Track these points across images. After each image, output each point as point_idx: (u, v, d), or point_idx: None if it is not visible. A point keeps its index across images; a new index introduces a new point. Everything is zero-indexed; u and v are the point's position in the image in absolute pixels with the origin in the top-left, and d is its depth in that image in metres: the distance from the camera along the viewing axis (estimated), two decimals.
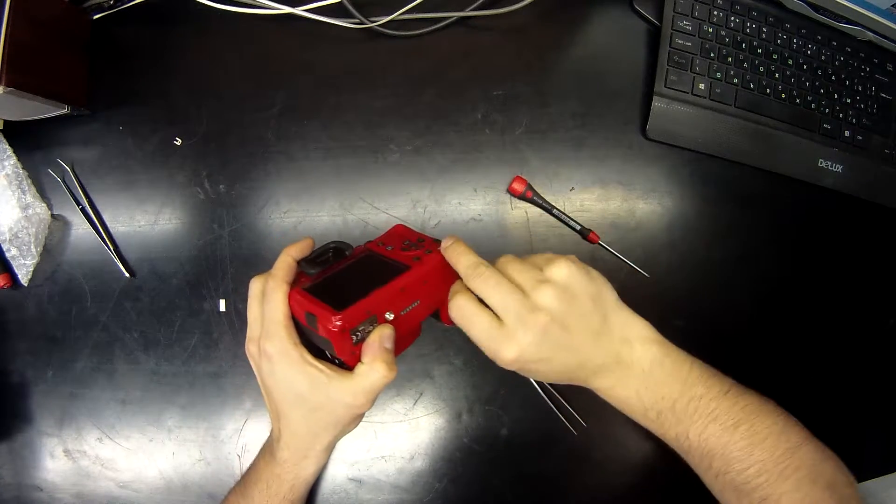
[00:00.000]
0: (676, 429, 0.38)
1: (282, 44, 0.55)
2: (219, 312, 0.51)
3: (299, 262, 0.38)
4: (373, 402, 0.37)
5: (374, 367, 0.35)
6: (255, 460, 0.44)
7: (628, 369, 0.38)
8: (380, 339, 0.35)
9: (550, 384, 0.49)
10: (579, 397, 0.49)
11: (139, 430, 0.51)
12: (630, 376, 0.38)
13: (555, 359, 0.36)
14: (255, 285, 0.38)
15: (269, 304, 0.37)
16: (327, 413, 0.38)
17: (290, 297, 0.37)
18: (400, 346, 0.38)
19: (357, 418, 0.40)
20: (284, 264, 0.38)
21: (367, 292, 0.35)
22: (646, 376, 0.38)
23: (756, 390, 0.41)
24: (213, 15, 0.53)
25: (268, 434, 0.43)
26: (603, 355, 0.37)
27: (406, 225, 0.45)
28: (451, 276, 0.38)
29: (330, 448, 0.42)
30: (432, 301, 0.39)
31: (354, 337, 0.35)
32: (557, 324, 0.35)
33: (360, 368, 0.36)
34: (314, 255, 0.38)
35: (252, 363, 0.40)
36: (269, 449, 0.42)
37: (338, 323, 0.33)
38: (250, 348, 0.39)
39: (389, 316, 0.36)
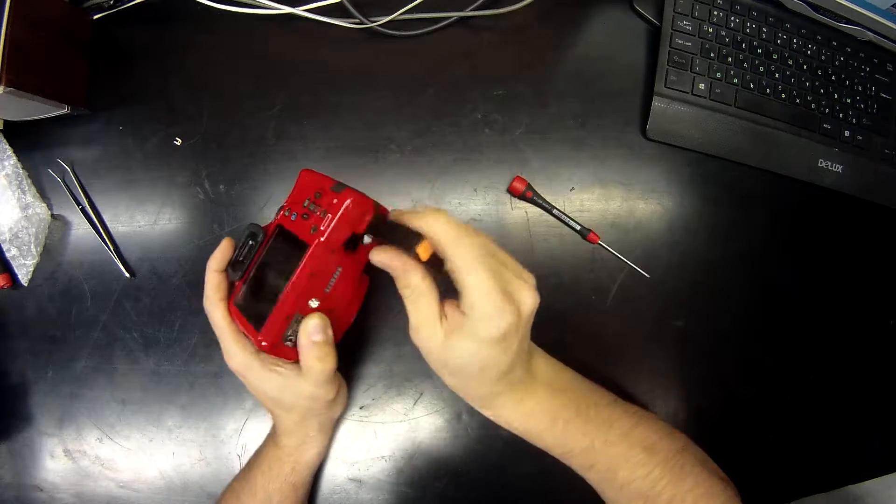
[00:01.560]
0: (583, 440, 0.37)
1: (282, 44, 0.55)
2: None
3: (226, 270, 0.38)
4: (334, 387, 0.39)
5: (308, 365, 0.36)
6: (258, 449, 0.45)
7: (533, 381, 0.37)
8: (306, 335, 0.35)
9: None
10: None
11: (139, 430, 0.51)
12: (536, 387, 0.37)
13: (489, 368, 0.33)
14: (207, 308, 0.39)
15: (214, 325, 0.38)
16: (300, 406, 0.40)
17: (231, 312, 0.38)
18: (346, 317, 0.38)
19: (332, 403, 0.41)
20: (212, 283, 0.39)
21: (277, 296, 0.34)
22: (549, 385, 0.38)
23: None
24: (213, 15, 0.53)
25: (269, 427, 0.45)
26: (520, 371, 0.36)
27: (310, 169, 0.39)
28: (359, 222, 0.35)
29: (324, 430, 0.44)
30: (355, 260, 0.36)
31: (289, 343, 0.36)
32: (517, 334, 0.33)
33: (302, 366, 0.37)
34: (236, 253, 0.38)
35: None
36: (272, 436, 0.44)
37: (263, 344, 0.35)
38: (225, 359, 0.40)
39: (314, 303, 0.35)
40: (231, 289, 0.39)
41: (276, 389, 0.38)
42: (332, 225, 0.34)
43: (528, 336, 0.35)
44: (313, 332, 0.35)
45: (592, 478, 0.39)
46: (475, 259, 0.31)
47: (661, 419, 0.41)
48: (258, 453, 0.45)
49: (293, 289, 0.34)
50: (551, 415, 0.37)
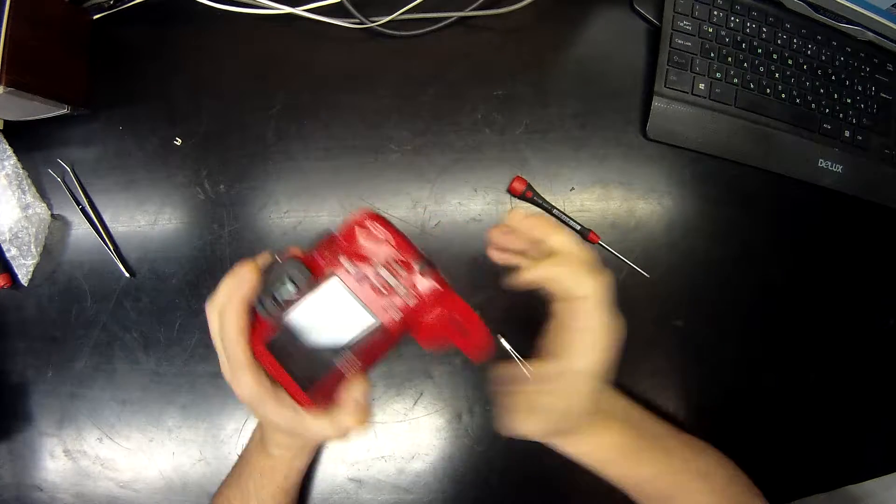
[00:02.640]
0: (649, 471, 0.39)
1: (282, 44, 0.55)
2: None
3: (256, 301, 0.33)
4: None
5: (343, 421, 0.33)
6: (244, 453, 0.45)
7: (608, 416, 0.39)
8: (355, 396, 0.33)
9: None
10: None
11: (139, 430, 0.51)
12: (612, 422, 0.39)
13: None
14: (212, 316, 0.34)
15: (229, 355, 0.33)
16: (306, 438, 0.40)
17: (253, 346, 0.32)
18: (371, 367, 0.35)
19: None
20: (237, 313, 0.32)
21: (333, 361, 0.31)
22: (624, 420, 0.40)
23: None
24: (214, 15, 0.53)
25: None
26: (603, 404, 0.39)
27: (380, 216, 0.33)
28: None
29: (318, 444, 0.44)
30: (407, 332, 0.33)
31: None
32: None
33: (334, 414, 0.33)
34: (268, 284, 0.32)
35: None
36: (262, 446, 0.43)
37: (306, 406, 0.32)
38: (225, 377, 0.35)
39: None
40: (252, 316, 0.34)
41: (287, 424, 0.34)
42: (417, 312, 0.32)
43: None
44: (359, 394, 0.34)
45: None
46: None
47: (713, 447, 0.43)
48: (247, 461, 0.43)
49: (361, 365, 0.32)
50: (623, 449, 0.39)
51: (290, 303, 0.32)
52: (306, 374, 0.32)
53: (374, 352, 0.32)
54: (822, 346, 0.52)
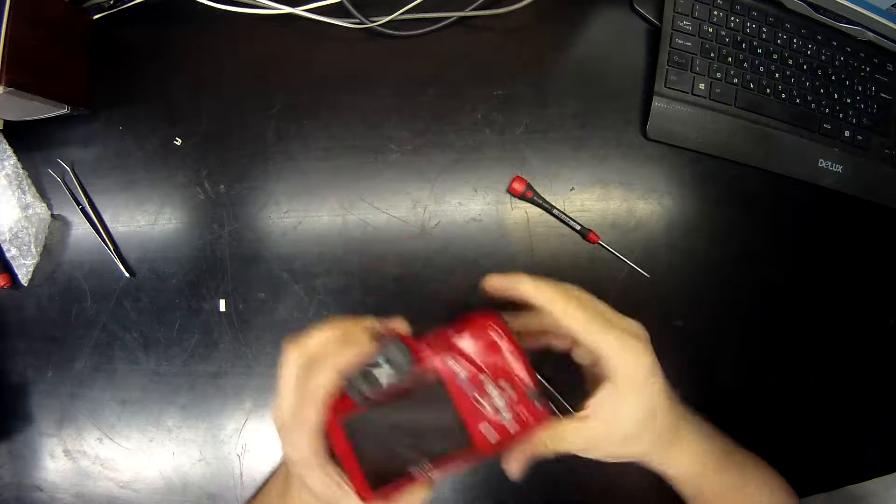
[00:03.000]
0: (725, 484, 0.38)
1: (282, 44, 0.55)
2: (219, 312, 0.51)
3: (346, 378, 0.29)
4: None
5: None
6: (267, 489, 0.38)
7: (685, 422, 0.37)
8: (413, 501, 0.30)
9: (550, 385, 0.49)
10: (579, 397, 0.49)
11: (139, 430, 0.51)
12: (690, 428, 0.37)
13: (657, 409, 0.32)
14: (297, 362, 0.29)
15: (303, 405, 0.29)
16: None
17: (331, 425, 0.29)
18: None
19: None
20: (327, 380, 0.28)
21: (408, 467, 0.29)
22: (697, 427, 0.37)
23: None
24: (214, 15, 0.53)
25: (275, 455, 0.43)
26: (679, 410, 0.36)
27: (503, 322, 0.30)
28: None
29: None
30: None
31: None
32: (656, 365, 0.32)
33: None
34: (367, 364, 0.29)
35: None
36: (282, 496, 0.37)
37: (367, 501, 0.29)
38: (276, 421, 0.30)
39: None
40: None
41: (326, 497, 0.31)
42: (514, 439, 0.30)
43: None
44: (417, 502, 0.31)
45: None
46: (588, 321, 0.30)
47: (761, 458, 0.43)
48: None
49: (434, 475, 0.29)
50: (703, 459, 0.37)
51: (382, 387, 0.28)
52: (377, 468, 0.29)
53: (453, 466, 0.29)
54: (822, 346, 0.52)
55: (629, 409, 0.31)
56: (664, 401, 0.33)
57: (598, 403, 0.32)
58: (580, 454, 0.33)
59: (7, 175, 0.52)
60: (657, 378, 0.32)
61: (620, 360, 0.30)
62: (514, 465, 0.33)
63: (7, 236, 0.51)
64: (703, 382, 0.51)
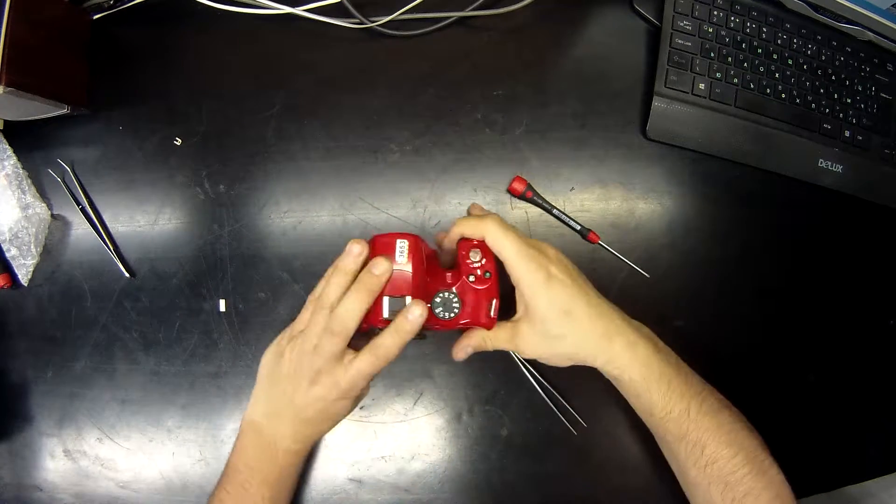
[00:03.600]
0: (681, 402, 0.38)
1: (282, 44, 0.55)
2: (219, 312, 0.51)
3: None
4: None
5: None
6: (246, 462, 0.41)
7: (638, 331, 0.40)
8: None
9: (550, 385, 0.49)
10: (579, 397, 0.49)
11: (139, 430, 0.51)
12: (642, 338, 0.40)
13: (574, 302, 0.38)
14: (356, 258, 0.38)
15: (353, 298, 0.37)
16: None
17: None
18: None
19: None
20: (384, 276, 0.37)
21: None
22: (652, 340, 0.40)
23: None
24: (213, 15, 0.53)
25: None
26: (617, 316, 0.40)
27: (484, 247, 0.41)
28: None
29: None
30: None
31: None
32: (567, 270, 0.40)
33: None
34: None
35: (285, 348, 0.40)
36: (271, 448, 0.41)
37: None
38: (312, 333, 0.38)
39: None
40: None
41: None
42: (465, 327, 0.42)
43: (587, 282, 0.41)
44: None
45: (681, 450, 0.39)
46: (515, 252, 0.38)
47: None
48: (252, 467, 0.41)
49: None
50: (658, 369, 0.39)
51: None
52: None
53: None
54: (821, 346, 0.52)
55: (541, 309, 0.38)
56: (578, 301, 0.38)
57: (519, 310, 0.41)
58: (517, 353, 0.44)
59: (7, 175, 0.52)
60: (560, 282, 0.38)
61: (520, 270, 0.38)
62: (460, 353, 0.42)
63: (7, 236, 0.51)
64: None
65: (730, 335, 0.52)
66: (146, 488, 0.50)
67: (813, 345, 0.52)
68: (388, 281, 0.37)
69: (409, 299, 0.37)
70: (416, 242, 0.39)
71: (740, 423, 0.39)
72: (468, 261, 0.40)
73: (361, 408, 0.50)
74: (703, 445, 0.37)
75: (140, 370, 0.51)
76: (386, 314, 0.37)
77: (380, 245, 0.39)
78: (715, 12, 0.53)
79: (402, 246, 0.38)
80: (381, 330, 0.37)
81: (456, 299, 0.39)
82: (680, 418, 0.38)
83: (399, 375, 0.50)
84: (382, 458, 0.50)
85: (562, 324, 0.38)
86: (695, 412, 0.38)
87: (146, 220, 0.53)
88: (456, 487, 0.49)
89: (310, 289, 0.42)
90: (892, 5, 0.50)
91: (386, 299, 0.37)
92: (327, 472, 0.49)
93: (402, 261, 0.38)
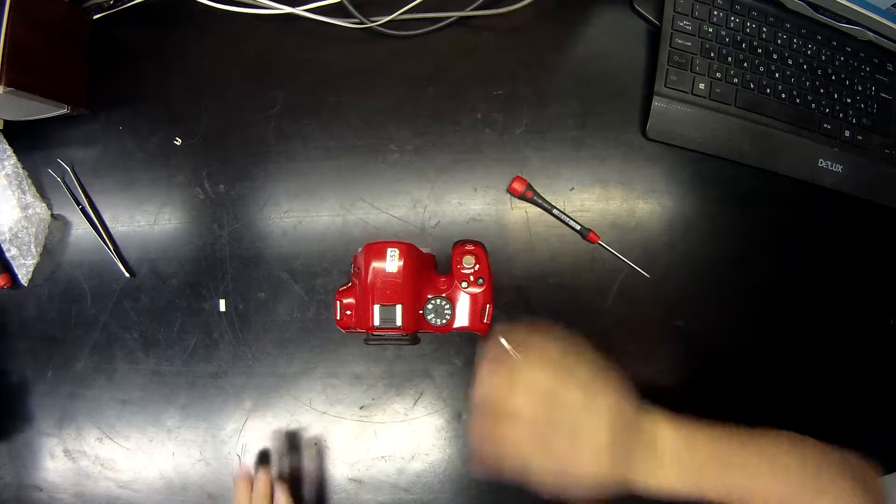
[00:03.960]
0: (733, 487, 0.37)
1: (282, 44, 0.55)
2: (219, 312, 0.51)
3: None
4: None
5: None
6: None
7: (662, 443, 0.38)
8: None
9: None
10: None
11: (139, 430, 0.51)
12: (666, 449, 0.38)
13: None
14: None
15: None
16: None
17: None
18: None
19: None
20: None
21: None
22: (682, 448, 0.38)
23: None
24: (213, 15, 0.53)
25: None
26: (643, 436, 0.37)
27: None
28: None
29: None
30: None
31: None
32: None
33: None
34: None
35: None
36: None
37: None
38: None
39: None
40: None
41: None
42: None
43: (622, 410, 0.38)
44: None
45: None
46: None
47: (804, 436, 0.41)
48: None
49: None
50: (694, 474, 0.37)
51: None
52: None
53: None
54: (821, 346, 0.52)
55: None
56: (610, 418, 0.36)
57: None
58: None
59: (7, 175, 0.52)
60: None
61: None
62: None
63: (7, 236, 0.51)
64: (703, 382, 0.51)
65: (730, 335, 0.52)
66: (146, 488, 0.50)
67: (813, 344, 0.52)
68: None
69: (399, 307, 0.37)
70: (408, 250, 0.39)
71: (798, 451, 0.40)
72: (461, 266, 0.40)
73: (361, 408, 0.50)
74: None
75: (140, 370, 0.51)
76: (377, 322, 0.37)
77: (371, 252, 0.39)
78: (715, 12, 0.53)
79: (392, 253, 0.38)
80: (374, 336, 0.38)
81: (448, 305, 0.39)
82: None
83: (399, 375, 0.50)
84: (382, 458, 0.50)
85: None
86: (756, 482, 0.37)
87: (146, 220, 0.53)
88: (456, 487, 0.49)
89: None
90: (892, 5, 0.50)
91: (377, 307, 0.38)
92: (327, 471, 0.49)
93: (393, 269, 0.38)
